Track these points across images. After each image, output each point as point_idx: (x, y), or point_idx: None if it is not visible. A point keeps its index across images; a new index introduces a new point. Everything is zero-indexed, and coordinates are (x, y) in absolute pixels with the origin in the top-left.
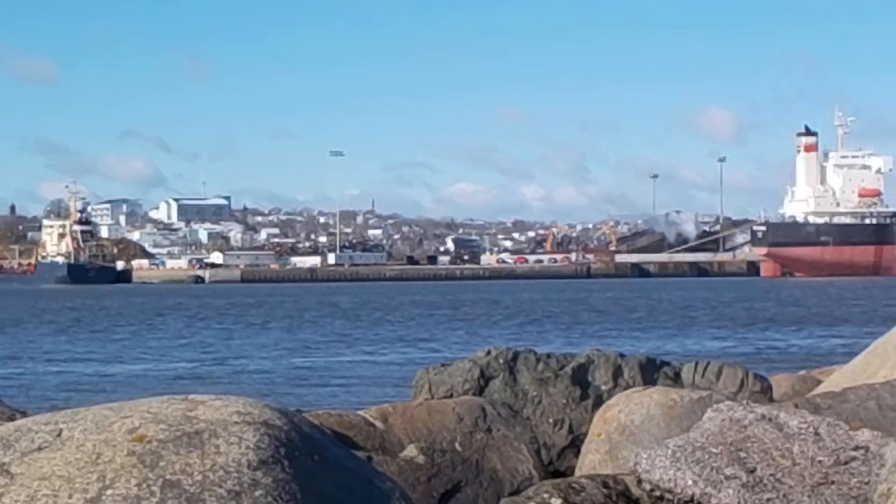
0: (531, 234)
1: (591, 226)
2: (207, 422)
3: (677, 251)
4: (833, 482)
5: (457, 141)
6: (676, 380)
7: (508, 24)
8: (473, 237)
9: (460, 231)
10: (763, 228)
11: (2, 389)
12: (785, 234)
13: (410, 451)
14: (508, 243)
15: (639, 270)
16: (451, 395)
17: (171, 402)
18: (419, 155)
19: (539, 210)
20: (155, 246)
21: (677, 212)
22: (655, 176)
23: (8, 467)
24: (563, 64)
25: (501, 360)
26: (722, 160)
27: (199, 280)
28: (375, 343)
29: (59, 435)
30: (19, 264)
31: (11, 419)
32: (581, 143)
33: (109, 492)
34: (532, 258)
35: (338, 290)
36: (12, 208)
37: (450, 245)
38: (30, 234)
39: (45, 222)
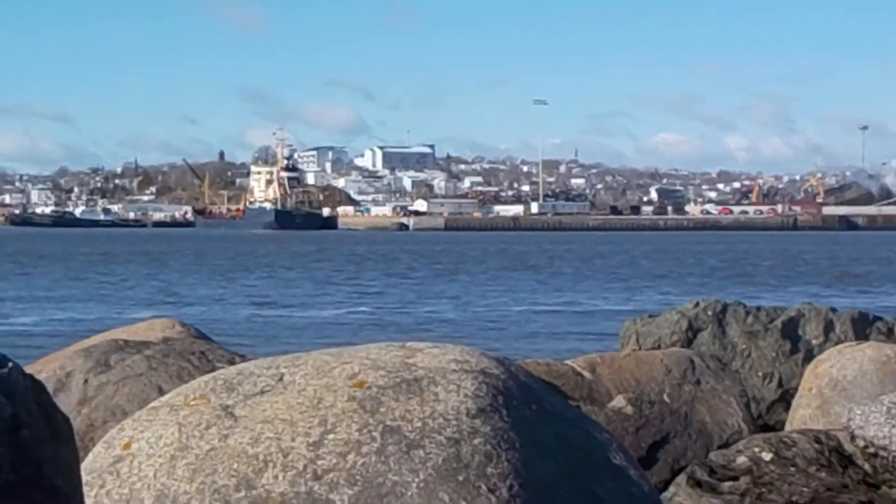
0: (736, 184)
1: (797, 177)
2: (426, 369)
3: (887, 204)
4: None
5: (660, 91)
6: (890, 335)
7: None
8: (678, 187)
9: (664, 181)
10: None
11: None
12: None
13: (618, 401)
14: (713, 194)
15: (847, 223)
16: (659, 347)
17: (389, 349)
18: (622, 104)
19: (743, 161)
20: (360, 193)
21: (883, 164)
22: (865, 127)
23: (232, 409)
24: (766, 15)
25: (710, 313)
26: None
27: (402, 227)
28: (577, 292)
29: (280, 379)
30: (227, 210)
31: (231, 363)
32: (785, 94)
33: (331, 436)
34: (737, 209)
35: (544, 238)
36: (221, 154)
37: (653, 195)
38: (238, 181)
39: (253, 169)
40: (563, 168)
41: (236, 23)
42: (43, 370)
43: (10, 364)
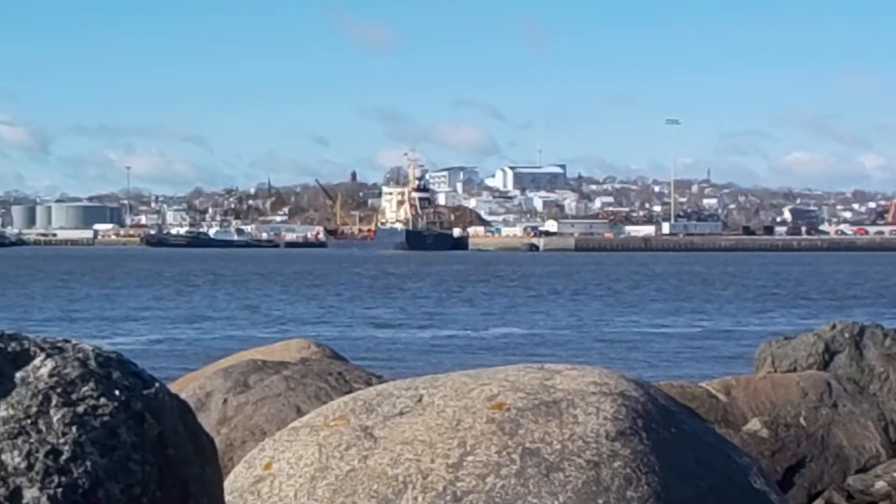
0: (871, 204)
1: None
2: (565, 391)
3: None
4: None
5: (793, 109)
6: None
7: None
8: (811, 207)
9: (798, 201)
10: None
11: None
12: None
13: (754, 424)
14: (848, 214)
15: None
16: (795, 369)
17: (527, 371)
18: (755, 123)
19: (879, 180)
20: (490, 213)
21: None
22: None
23: (371, 430)
24: None
25: (847, 335)
26: None
27: (533, 248)
28: (704, 313)
29: (419, 400)
30: (359, 230)
31: (368, 383)
32: None
33: (470, 458)
34: (872, 229)
35: (676, 259)
36: (353, 175)
37: (787, 215)
38: (369, 201)
39: (385, 189)
40: (695, 188)
41: (365, 42)
42: (183, 390)
43: (157, 384)
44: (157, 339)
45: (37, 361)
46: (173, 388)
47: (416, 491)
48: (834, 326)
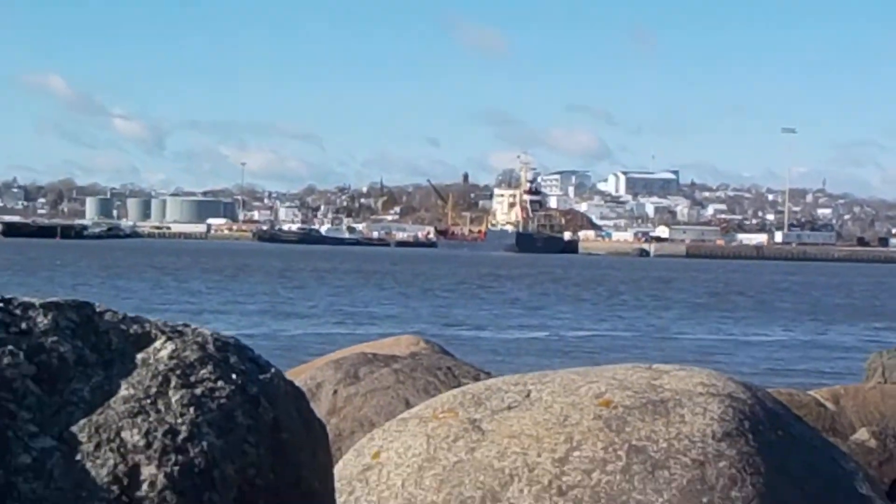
0: None
1: None
2: (672, 391)
3: None
4: None
5: None
6: None
7: None
8: None
9: None
10: None
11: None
12: None
13: (862, 434)
14: None
15: None
16: None
17: (635, 370)
18: (870, 133)
19: None
20: (602, 218)
21: None
22: None
23: (479, 423)
24: None
25: None
26: None
27: (643, 253)
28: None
29: (528, 396)
30: (470, 231)
31: (476, 379)
32: None
33: (577, 453)
34: None
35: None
36: (465, 177)
37: None
38: (480, 202)
39: (496, 191)
40: (809, 198)
41: (477, 45)
42: (294, 381)
43: (273, 370)
44: (263, 332)
45: (157, 344)
46: None
47: (521, 484)
48: None
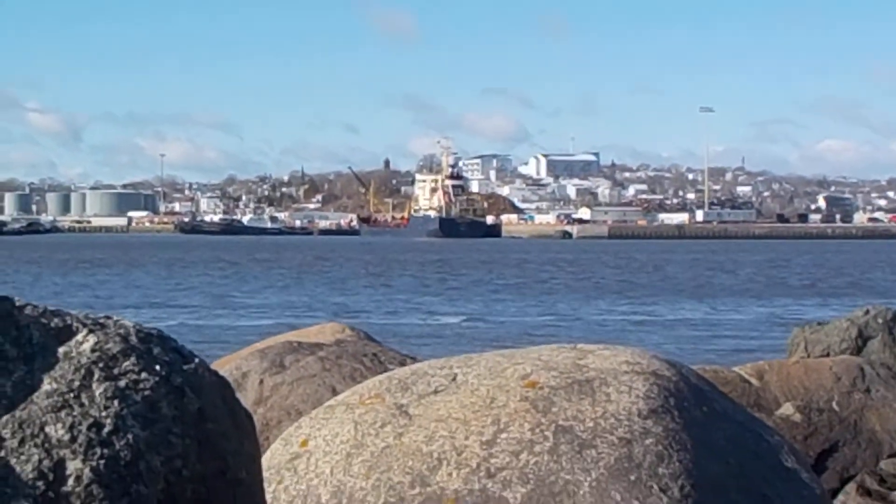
0: None
1: None
2: (597, 370)
3: None
4: None
5: (824, 97)
6: None
7: None
8: (846, 195)
9: (832, 189)
10: None
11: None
12: None
13: (786, 409)
14: (883, 202)
15: None
16: (828, 354)
17: (560, 351)
18: (786, 111)
19: None
20: (524, 201)
21: None
22: None
23: (406, 408)
24: None
25: (881, 320)
26: None
27: (566, 235)
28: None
29: (454, 379)
30: (392, 217)
31: (403, 364)
32: None
33: (504, 435)
34: None
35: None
36: (386, 163)
37: (821, 203)
38: (402, 189)
39: (418, 177)
40: (728, 176)
41: (391, 31)
42: (219, 371)
43: (197, 360)
44: (185, 323)
45: (79, 336)
46: None
47: (450, 467)
48: (867, 312)
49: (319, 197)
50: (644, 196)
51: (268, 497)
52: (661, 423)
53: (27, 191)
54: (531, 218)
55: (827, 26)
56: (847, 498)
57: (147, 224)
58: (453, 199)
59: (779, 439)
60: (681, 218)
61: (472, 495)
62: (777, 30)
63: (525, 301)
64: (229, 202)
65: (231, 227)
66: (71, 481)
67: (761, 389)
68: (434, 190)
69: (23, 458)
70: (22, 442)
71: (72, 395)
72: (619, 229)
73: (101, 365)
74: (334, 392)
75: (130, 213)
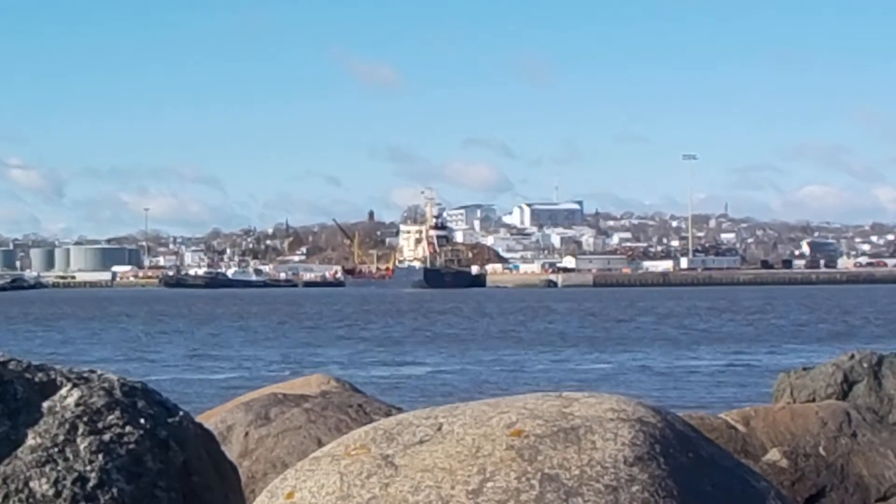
0: (890, 237)
1: None
2: (583, 418)
3: None
4: None
5: (805, 143)
6: None
7: (861, 27)
8: (830, 241)
9: (815, 234)
10: None
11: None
12: None
13: (773, 455)
14: (866, 247)
15: None
16: (814, 400)
17: (546, 399)
18: (767, 157)
19: (895, 213)
20: (508, 250)
21: None
22: None
23: (392, 459)
24: None
25: (865, 365)
26: None
27: (551, 284)
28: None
29: (439, 429)
30: (377, 269)
31: (388, 415)
32: None
33: (490, 484)
34: (892, 262)
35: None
36: (370, 214)
37: (805, 249)
38: (387, 240)
39: (402, 227)
40: (712, 223)
41: (371, 82)
42: (204, 423)
43: (181, 413)
44: (169, 377)
45: (63, 391)
46: None
47: None
48: (852, 356)
49: (304, 249)
50: (628, 244)
51: None
52: (647, 470)
53: (11, 247)
54: (516, 267)
55: (807, 71)
56: None
57: (131, 279)
58: (438, 249)
59: (766, 485)
60: (665, 265)
61: None
62: (757, 76)
63: (509, 349)
64: (214, 255)
65: (215, 281)
66: None
67: (748, 435)
68: (418, 241)
69: None
70: (6, 497)
71: (56, 449)
72: (604, 277)
73: (85, 419)
74: (320, 443)
75: (115, 268)
